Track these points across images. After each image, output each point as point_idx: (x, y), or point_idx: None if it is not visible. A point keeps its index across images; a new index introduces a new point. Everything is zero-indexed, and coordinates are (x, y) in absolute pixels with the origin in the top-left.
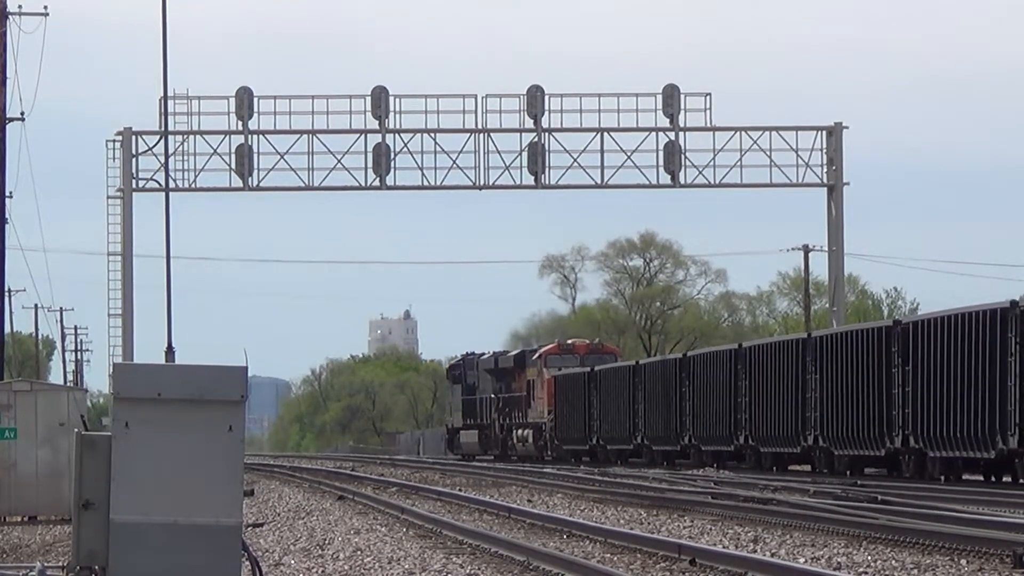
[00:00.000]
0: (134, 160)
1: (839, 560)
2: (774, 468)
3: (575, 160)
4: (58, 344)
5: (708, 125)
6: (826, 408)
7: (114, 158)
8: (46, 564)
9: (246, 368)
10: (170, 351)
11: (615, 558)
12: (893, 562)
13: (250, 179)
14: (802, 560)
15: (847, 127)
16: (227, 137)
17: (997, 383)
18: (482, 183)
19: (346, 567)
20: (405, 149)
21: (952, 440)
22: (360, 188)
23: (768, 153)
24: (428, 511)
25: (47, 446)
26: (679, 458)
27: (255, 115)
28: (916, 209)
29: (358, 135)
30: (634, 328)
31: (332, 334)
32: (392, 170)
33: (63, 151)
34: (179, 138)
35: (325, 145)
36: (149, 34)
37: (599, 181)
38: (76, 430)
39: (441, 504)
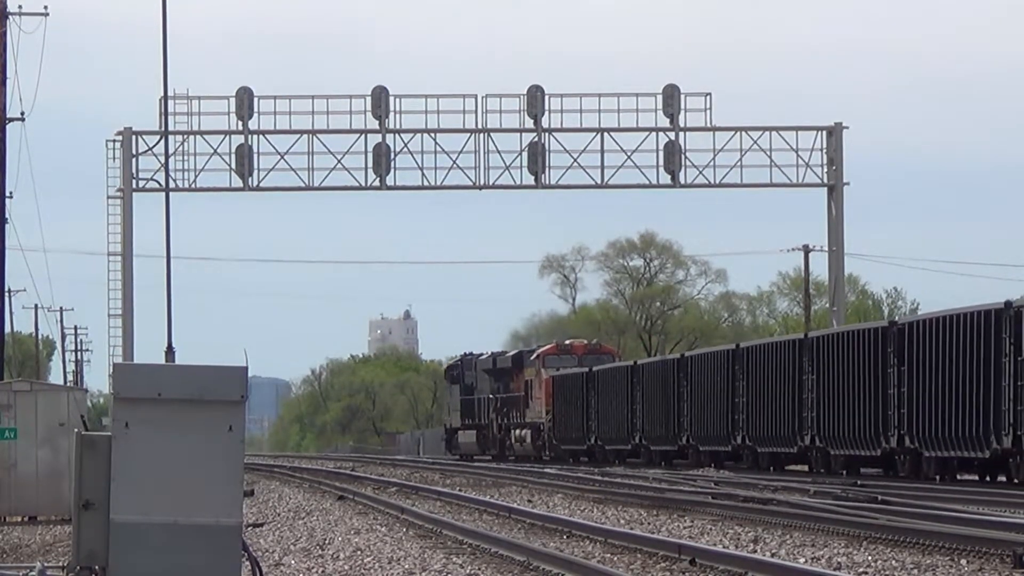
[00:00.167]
0: (134, 160)
1: (839, 560)
2: (771, 468)
3: (575, 160)
4: (58, 344)
5: (708, 125)
6: (822, 408)
7: (114, 158)
8: (46, 564)
9: (246, 368)
10: (170, 351)
11: (615, 558)
12: (893, 562)
13: (250, 179)
14: (802, 560)
15: (847, 127)
16: (227, 137)
17: (991, 383)
18: (482, 183)
19: (346, 567)
20: (405, 149)
21: (947, 440)
22: (360, 188)
23: (768, 153)
24: (428, 511)
25: (47, 446)
26: (677, 458)
27: (255, 115)
28: (916, 209)
29: (358, 135)
30: (634, 328)
31: (332, 334)
32: (392, 170)
33: (63, 151)
34: (179, 138)
35: (325, 145)
36: (149, 34)
37: (599, 181)
38: (76, 430)
39: (441, 504)
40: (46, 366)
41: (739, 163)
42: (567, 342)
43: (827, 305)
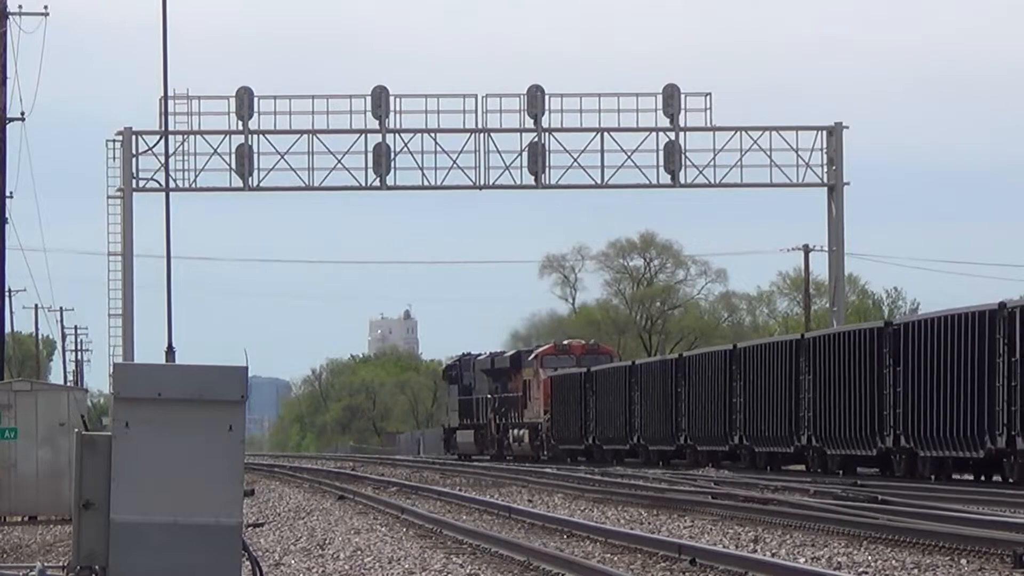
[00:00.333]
0: (134, 160)
1: (839, 560)
2: (768, 468)
3: (575, 160)
4: (58, 344)
5: (708, 125)
6: (819, 408)
7: (114, 158)
8: (46, 564)
9: (246, 368)
10: (170, 351)
11: (615, 558)
12: (893, 562)
13: (250, 179)
14: (802, 560)
15: (847, 127)
16: (227, 137)
17: (986, 384)
18: (482, 183)
19: (346, 567)
20: (405, 149)
21: (942, 440)
22: (360, 188)
23: (768, 153)
24: (428, 511)
25: (47, 446)
26: (675, 458)
27: (255, 115)
28: (916, 209)
29: (358, 135)
30: (634, 328)
31: (332, 334)
32: (392, 170)
33: (63, 151)
34: (179, 138)
35: (325, 145)
36: (149, 34)
37: (599, 181)
38: (76, 430)
39: (441, 504)
40: (46, 366)
41: (739, 163)
42: (565, 342)
43: (827, 305)
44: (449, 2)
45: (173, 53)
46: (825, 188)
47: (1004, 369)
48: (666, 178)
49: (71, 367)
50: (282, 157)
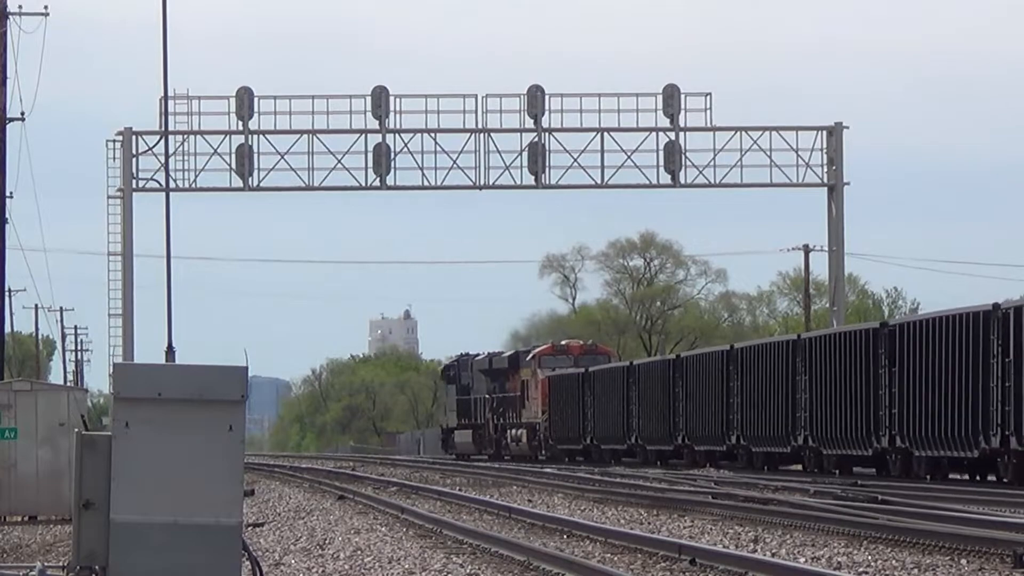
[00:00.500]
0: (134, 160)
1: (839, 560)
2: (765, 467)
3: (575, 160)
4: (58, 344)
5: (708, 125)
6: (815, 409)
7: (114, 158)
8: (46, 564)
9: (246, 368)
10: (170, 351)
11: (615, 558)
12: (893, 562)
13: (250, 179)
14: (802, 560)
15: (847, 127)
16: (227, 137)
17: (980, 384)
18: (482, 183)
19: (346, 567)
20: (405, 149)
21: (937, 440)
22: (360, 188)
23: (768, 153)
24: (428, 511)
25: (47, 446)
26: (672, 458)
27: (255, 115)
28: (916, 209)
29: (358, 135)
30: (634, 328)
31: (332, 334)
32: (392, 170)
33: (63, 151)
34: (179, 138)
35: (325, 145)
36: (149, 34)
37: (599, 181)
38: (76, 430)
39: (441, 504)
40: (46, 366)
41: (739, 163)
42: (563, 342)
43: (827, 305)
44: (449, 2)
45: (173, 53)
46: (825, 188)
47: (998, 370)
48: (666, 178)
49: (71, 367)
50: (282, 157)
